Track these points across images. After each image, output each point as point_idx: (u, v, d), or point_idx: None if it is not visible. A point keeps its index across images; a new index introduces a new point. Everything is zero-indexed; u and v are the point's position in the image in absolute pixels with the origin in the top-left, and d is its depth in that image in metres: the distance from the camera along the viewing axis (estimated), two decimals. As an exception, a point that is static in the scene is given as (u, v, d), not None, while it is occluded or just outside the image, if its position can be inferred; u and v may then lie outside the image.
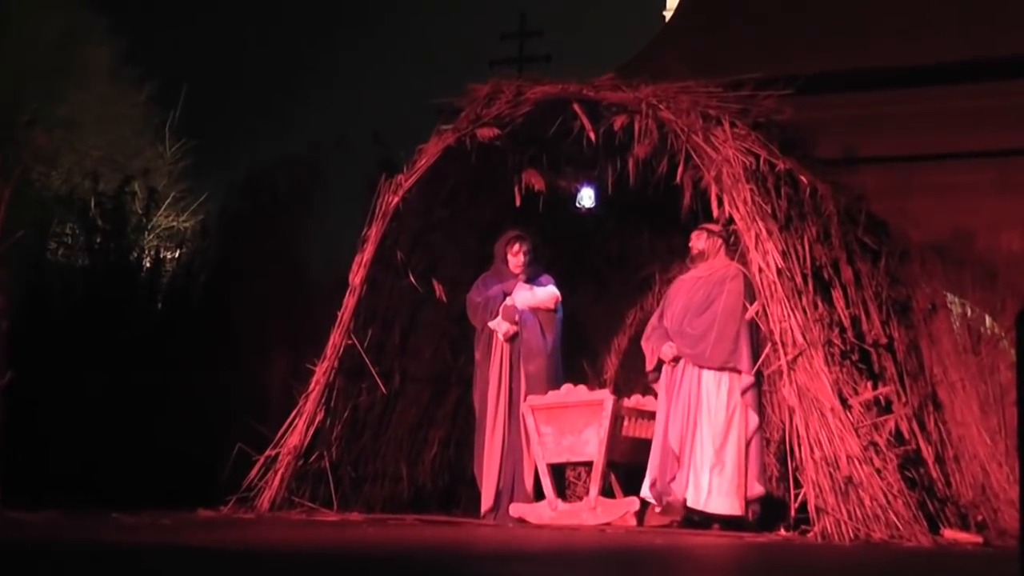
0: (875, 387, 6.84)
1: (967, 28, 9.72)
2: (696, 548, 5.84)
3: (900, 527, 6.22)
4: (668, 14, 18.04)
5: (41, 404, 7.54)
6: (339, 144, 8.28)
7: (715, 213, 7.10)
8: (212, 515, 7.02)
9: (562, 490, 7.81)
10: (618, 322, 9.12)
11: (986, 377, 7.29)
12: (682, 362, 7.05)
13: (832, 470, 6.30)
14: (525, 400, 7.51)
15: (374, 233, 7.86)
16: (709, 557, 5.33)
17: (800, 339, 6.53)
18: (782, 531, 6.71)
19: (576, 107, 7.59)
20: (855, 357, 6.86)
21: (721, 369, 6.91)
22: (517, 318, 7.64)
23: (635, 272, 9.08)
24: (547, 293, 7.77)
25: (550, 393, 7.47)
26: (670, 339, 7.13)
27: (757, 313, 6.71)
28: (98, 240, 8.76)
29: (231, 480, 7.46)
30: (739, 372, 6.87)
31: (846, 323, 6.93)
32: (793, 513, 6.66)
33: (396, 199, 7.86)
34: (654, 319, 7.32)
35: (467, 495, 8.38)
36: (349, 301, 7.84)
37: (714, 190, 7.04)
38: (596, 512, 7.18)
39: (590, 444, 7.25)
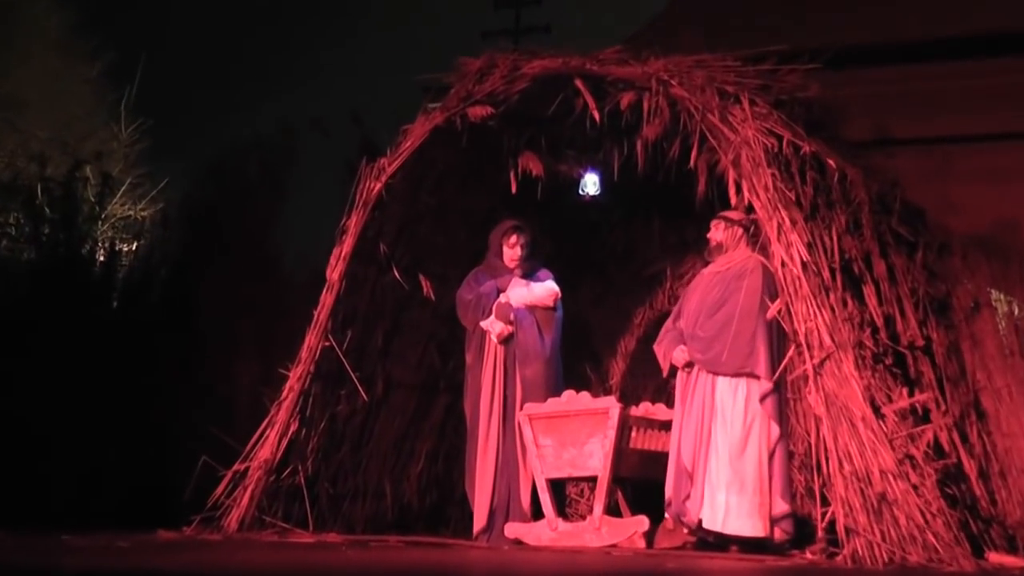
0: (911, 394, 6.84)
1: (1017, -6, 9.71)
2: (712, 573, 5.82)
3: (939, 550, 6.21)
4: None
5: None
6: (315, 125, 8.27)
7: (733, 201, 7.10)
8: (174, 536, 7.01)
9: (563, 508, 7.82)
10: (625, 322, 9.14)
11: (1035, 383, 7.31)
12: (696, 369, 7.04)
13: (864, 486, 6.30)
14: (521, 408, 7.51)
15: (354, 223, 7.87)
16: (726, 583, 5.32)
17: (827, 341, 6.54)
18: (808, 554, 6.70)
19: (578, 83, 7.59)
20: (889, 361, 6.86)
21: (737, 375, 6.90)
22: (512, 317, 7.64)
23: (644, 267, 9.10)
24: (545, 290, 7.77)
25: (549, 401, 7.47)
26: (684, 343, 7.11)
27: (779, 312, 6.69)
28: (46, 231, 8.76)
29: (195, 498, 7.46)
30: (757, 378, 6.86)
31: (879, 323, 6.93)
32: (820, 534, 6.65)
33: (378, 186, 7.87)
34: (669, 320, 7.32)
35: (457, 514, 8.40)
36: (326, 299, 7.84)
37: (732, 175, 7.04)
38: (601, 533, 7.19)
39: (594, 457, 7.25)
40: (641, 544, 7.10)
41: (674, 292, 8.95)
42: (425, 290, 8.26)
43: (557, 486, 7.55)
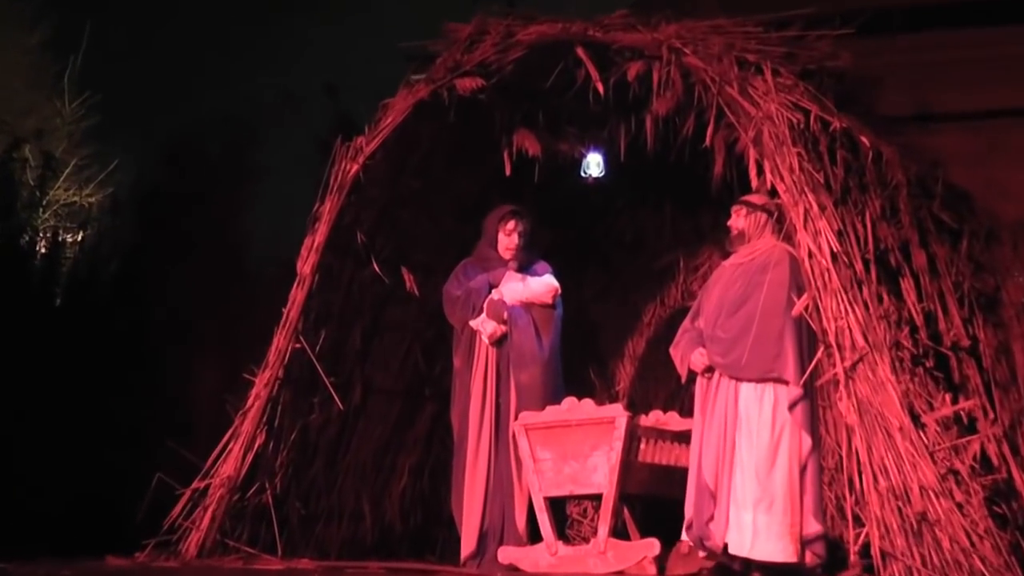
0: (955, 401, 6.83)
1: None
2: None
3: (988, 575, 6.20)
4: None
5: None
6: (284, 99, 8.27)
7: (754, 184, 7.10)
8: (125, 563, 7.00)
9: (563, 530, 7.81)
10: (633, 321, 9.13)
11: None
12: (717, 374, 7.02)
13: (902, 504, 6.29)
14: (516, 418, 7.50)
15: (328, 210, 7.86)
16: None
17: (860, 341, 6.52)
18: (839, 581, 6.71)
19: (580, 52, 7.58)
20: (930, 363, 6.85)
21: (762, 381, 6.87)
22: (506, 316, 7.62)
23: (653, 259, 9.10)
24: (543, 284, 7.76)
25: (548, 409, 7.45)
26: (703, 345, 7.10)
27: (807, 308, 6.68)
28: (-22, 219, 8.75)
29: (149, 519, 7.44)
30: (785, 383, 6.84)
31: (918, 321, 6.91)
32: (853, 558, 6.63)
33: (356, 167, 7.87)
34: (687, 320, 7.27)
35: (445, 537, 8.39)
36: (297, 295, 7.83)
37: (753, 155, 7.03)
38: (606, 557, 7.17)
39: (598, 472, 7.23)
40: (652, 570, 7.09)
41: (687, 287, 8.95)
42: (408, 285, 8.24)
43: (557, 505, 7.53)
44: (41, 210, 9.49)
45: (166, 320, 8.66)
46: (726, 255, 7.25)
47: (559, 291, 7.78)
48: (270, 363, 7.78)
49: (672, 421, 7.49)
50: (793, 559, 6.76)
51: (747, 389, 6.89)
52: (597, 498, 7.34)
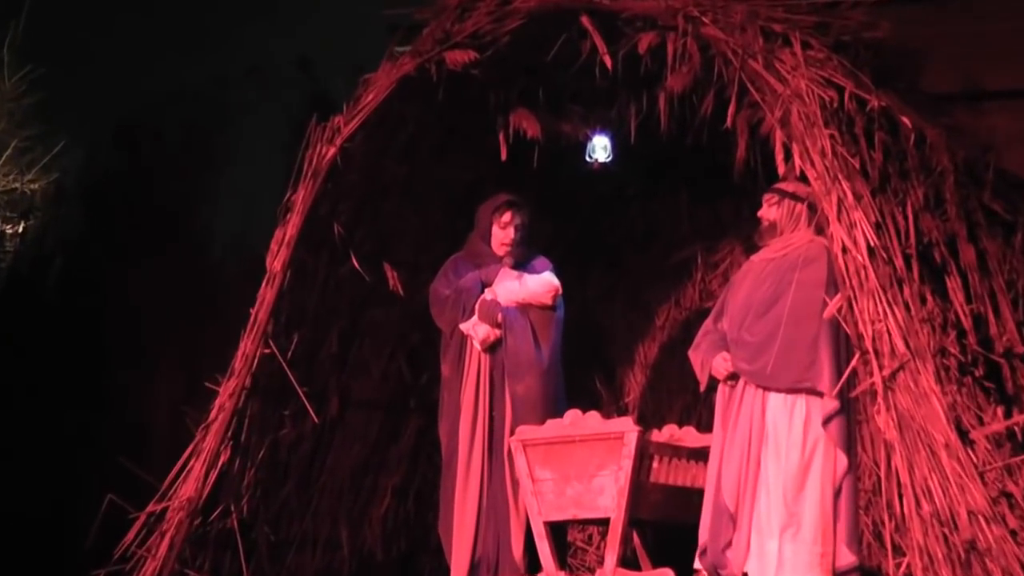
0: (1008, 415, 6.79)
1: None
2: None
3: (1043, 611, 6.20)
4: None
5: None
6: (253, 75, 8.27)
7: (781, 170, 7.09)
8: (72, 596, 6.99)
9: (565, 559, 7.77)
10: (644, 324, 9.16)
11: None
12: (741, 382, 7.01)
13: (948, 531, 6.27)
14: (513, 433, 7.49)
15: (302, 199, 7.87)
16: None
17: (901, 347, 6.50)
18: (876, 617, 6.71)
19: (585, 21, 7.57)
20: (979, 372, 6.82)
21: (793, 391, 6.86)
22: (500, 319, 7.61)
23: (668, 253, 9.12)
24: (543, 283, 7.74)
25: (548, 423, 7.44)
26: (727, 349, 7.09)
27: (840, 310, 6.67)
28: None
29: (98, 546, 7.44)
30: (818, 394, 6.83)
31: (966, 324, 6.88)
32: (892, 592, 6.64)
33: (332, 151, 7.87)
34: (709, 320, 7.28)
35: (432, 566, 8.41)
36: (266, 294, 7.84)
37: (779, 137, 7.02)
38: (614, 590, 7.17)
39: (605, 494, 7.23)
40: (665, 604, 7.10)
41: (706, 285, 8.96)
42: (391, 283, 8.26)
43: (558, 531, 7.53)
44: (-24, 199, 9.48)
45: (118, 322, 8.65)
46: (750, 249, 7.26)
47: (560, 290, 7.77)
48: (236, 371, 7.77)
49: (688, 437, 7.48)
50: (823, 592, 6.75)
51: (776, 400, 6.89)
52: (604, 523, 7.32)
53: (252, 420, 7.82)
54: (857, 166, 6.83)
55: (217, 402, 7.76)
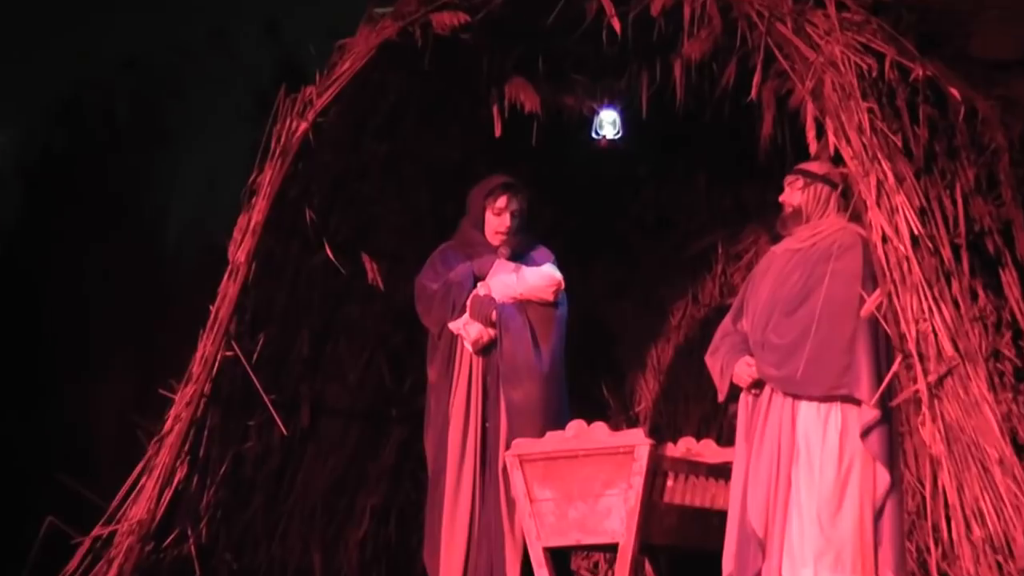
0: (1069, 426, 6.80)
1: None
2: None
3: (1108, 648, 6.21)
4: None
5: None
6: (213, 40, 8.25)
7: (812, 148, 7.10)
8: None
9: (568, 590, 7.80)
10: (658, 323, 9.20)
11: None
12: (768, 390, 7.00)
13: (1002, 559, 6.26)
14: (509, 447, 7.47)
15: (269, 180, 7.88)
16: None
17: (949, 349, 6.50)
18: (921, 654, 6.71)
19: (591, -22, 7.62)
20: (1038, 377, 6.85)
21: (827, 399, 6.85)
22: (495, 317, 7.60)
23: (685, 243, 9.15)
24: (543, 277, 7.73)
25: (548, 435, 7.43)
26: (750, 352, 7.07)
27: (880, 307, 6.64)
28: None
29: (39, 574, 7.43)
30: (856, 403, 6.81)
31: (1023, 323, 6.87)
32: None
33: (304, 126, 7.88)
34: (727, 320, 7.27)
35: (417, 597, 8.42)
36: (229, 288, 7.85)
37: (811, 111, 7.02)
38: (623, 625, 7.20)
39: (612, 517, 7.22)
40: (681, 641, 7.11)
41: (727, 279, 8.99)
42: (371, 276, 8.28)
43: (560, 558, 7.52)
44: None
45: (60, 320, 8.63)
46: (777, 239, 7.22)
47: (563, 285, 7.76)
48: (193, 376, 7.78)
49: (708, 451, 7.47)
50: (863, 626, 6.76)
51: (807, 410, 6.87)
52: (612, 549, 7.32)
53: (212, 432, 7.82)
54: (899, 144, 6.83)
55: (172, 411, 7.76)
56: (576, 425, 7.39)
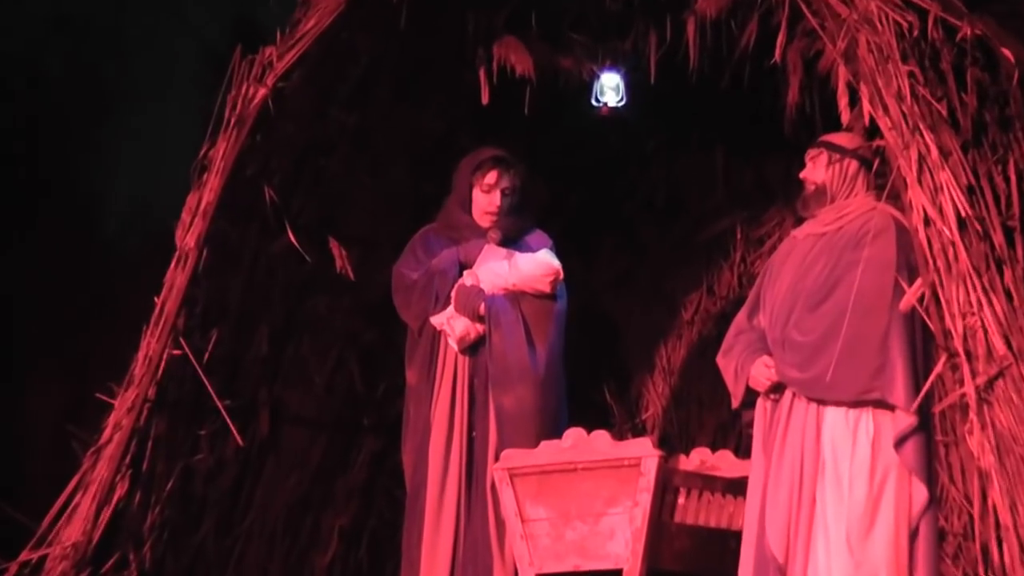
0: None
1: None
2: None
3: None
4: None
5: None
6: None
7: (844, 118, 7.13)
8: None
9: (566, 623, 7.84)
10: (668, 317, 9.23)
11: None
12: (789, 395, 7.02)
13: (1062, 587, 6.29)
14: (498, 459, 7.49)
15: (223, 155, 7.91)
16: None
17: (1001, 347, 6.49)
18: None
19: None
20: (1103, 381, 6.84)
21: (857, 405, 6.85)
22: (483, 309, 7.60)
23: (699, 227, 9.19)
24: (538, 264, 7.73)
25: (543, 446, 7.44)
26: (768, 352, 7.09)
27: (921, 299, 6.65)
28: None
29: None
30: (890, 408, 6.82)
31: (1086, 320, 6.90)
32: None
33: (263, 92, 7.90)
34: (741, 316, 7.27)
35: (392, 631, 8.44)
36: (176, 278, 7.87)
37: (843, 75, 7.05)
38: (628, 663, 7.22)
39: (616, 539, 7.23)
40: None
41: (748, 268, 9.04)
42: (339, 264, 8.30)
43: (556, 586, 7.54)
44: None
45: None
46: (800, 222, 7.23)
47: (561, 274, 7.75)
48: (136, 378, 7.79)
49: (725, 464, 7.47)
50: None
51: (835, 417, 6.88)
52: (615, 575, 7.35)
53: (157, 442, 7.84)
54: (944, 113, 6.82)
55: (111, 418, 7.77)
56: (574, 434, 7.40)
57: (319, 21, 7.87)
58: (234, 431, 7.92)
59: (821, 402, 6.87)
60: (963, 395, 6.50)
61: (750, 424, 7.19)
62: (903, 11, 6.95)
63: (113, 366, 7.88)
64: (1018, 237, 6.78)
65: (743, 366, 7.10)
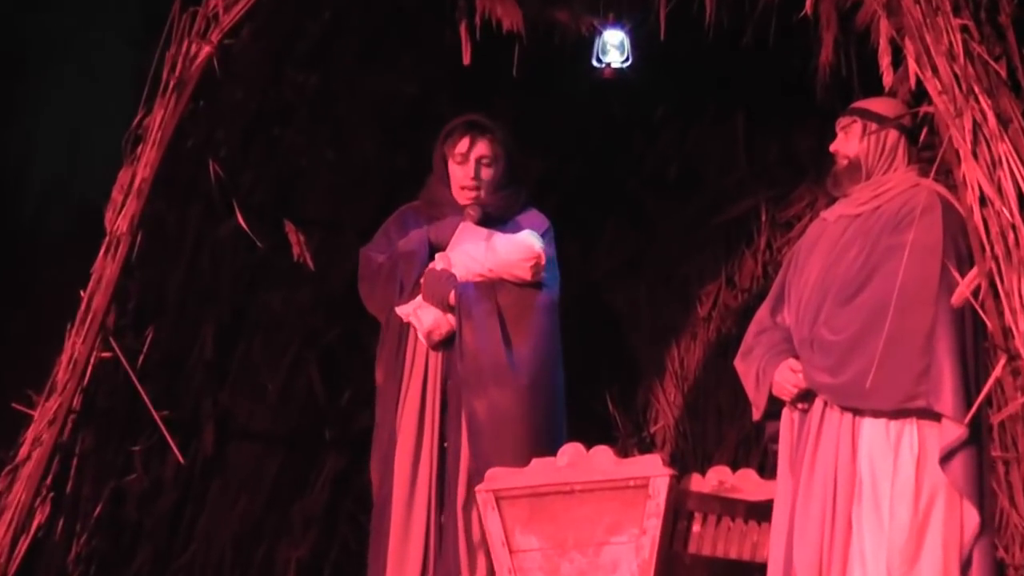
0: None
1: None
2: None
3: None
4: None
5: None
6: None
7: (886, 81, 7.12)
8: None
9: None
10: (680, 312, 9.27)
11: None
12: (819, 404, 6.99)
13: None
14: (472, 475, 7.54)
15: (160, 124, 7.90)
16: None
17: (1068, 349, 6.48)
18: None
19: None
20: None
21: (899, 415, 6.84)
22: (453, 299, 7.59)
23: (716, 207, 9.21)
24: (516, 246, 7.70)
25: (534, 464, 7.42)
26: (794, 354, 7.07)
27: (976, 292, 6.61)
28: None
29: None
30: (936, 419, 6.78)
31: None
32: None
33: (207, 51, 7.89)
34: (763, 312, 7.28)
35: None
36: (106, 268, 7.86)
37: (885, 31, 7.04)
38: None
39: (620, 572, 7.22)
40: None
41: (773, 255, 9.08)
42: (296, 251, 8.31)
43: (549, 626, 7.51)
44: None
45: None
46: (831, 202, 7.21)
47: (543, 259, 7.70)
48: (59, 385, 7.78)
49: (746, 485, 7.45)
50: None
51: (873, 429, 6.87)
52: (618, 616, 7.33)
53: (84, 459, 7.82)
54: (1003, 74, 6.82)
55: (30, 432, 7.78)
56: (571, 450, 7.39)
57: (272, -33, 7.93)
58: (174, 447, 7.87)
59: (857, 412, 6.88)
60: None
61: (775, 438, 7.20)
62: (954, -42, 6.98)
63: (32, 369, 7.87)
64: (1090, 223, 6.78)
65: (765, 371, 7.10)
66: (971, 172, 6.64)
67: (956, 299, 6.71)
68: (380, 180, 8.36)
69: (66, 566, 7.78)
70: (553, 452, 7.40)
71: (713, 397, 9.02)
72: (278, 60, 8.20)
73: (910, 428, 6.82)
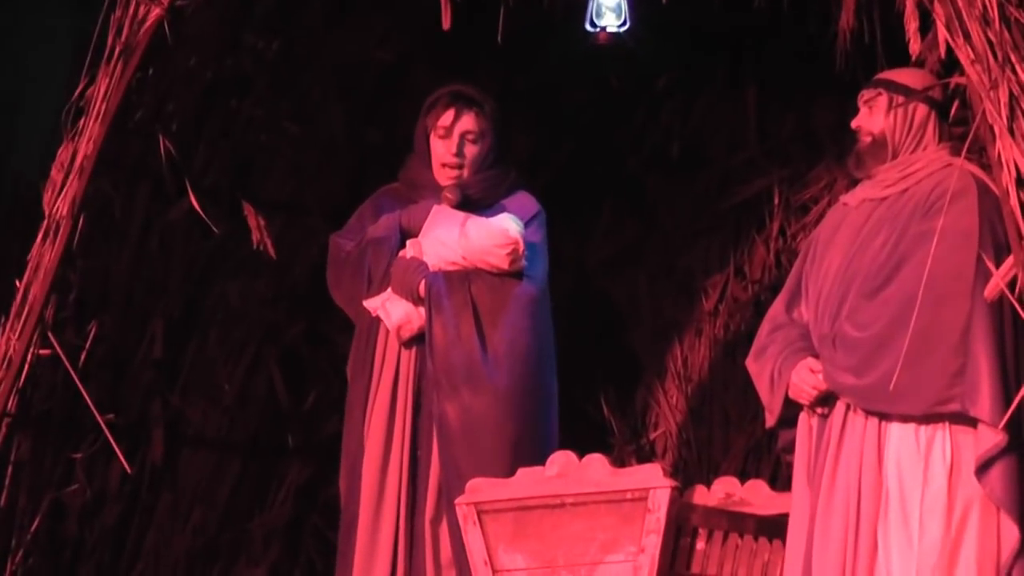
0: None
1: None
2: None
3: None
4: None
5: None
6: None
7: (913, 49, 7.12)
8: None
9: None
10: (684, 306, 9.28)
11: None
12: (841, 407, 7.00)
13: None
14: (442, 485, 7.58)
15: (105, 95, 7.90)
16: None
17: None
18: None
19: None
20: None
21: (930, 419, 6.86)
22: (422, 290, 7.60)
23: (724, 188, 9.22)
24: (490, 232, 7.70)
25: (520, 474, 7.44)
26: (813, 353, 7.08)
27: (1013, 284, 6.63)
28: None
29: None
30: (971, 425, 6.80)
31: None
32: None
33: (157, 13, 7.86)
34: (778, 306, 7.31)
35: None
36: (44, 256, 7.87)
37: (912, -4, 7.10)
38: None
39: (616, 595, 7.22)
40: None
41: (788, 242, 9.10)
42: (256, 238, 8.30)
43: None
44: None
45: None
46: (853, 183, 7.23)
47: (520, 245, 7.70)
48: None
49: (756, 498, 7.49)
50: None
51: (901, 435, 6.90)
52: (615, 643, 7.35)
53: (19, 468, 7.85)
54: (1043, 43, 6.86)
55: (-42, 438, 7.81)
56: (562, 459, 7.42)
57: (229, -83, 7.96)
58: (119, 455, 7.86)
59: (883, 417, 6.90)
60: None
61: (790, 448, 7.24)
62: (986, -90, 7.00)
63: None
64: None
65: (781, 371, 7.12)
66: (1007, 150, 6.65)
67: (990, 291, 6.73)
68: (349, 158, 8.39)
69: (0, 590, 7.84)
70: (539, 462, 7.43)
71: (720, 400, 9.03)
72: (235, 24, 8.20)
73: (942, 434, 6.84)
